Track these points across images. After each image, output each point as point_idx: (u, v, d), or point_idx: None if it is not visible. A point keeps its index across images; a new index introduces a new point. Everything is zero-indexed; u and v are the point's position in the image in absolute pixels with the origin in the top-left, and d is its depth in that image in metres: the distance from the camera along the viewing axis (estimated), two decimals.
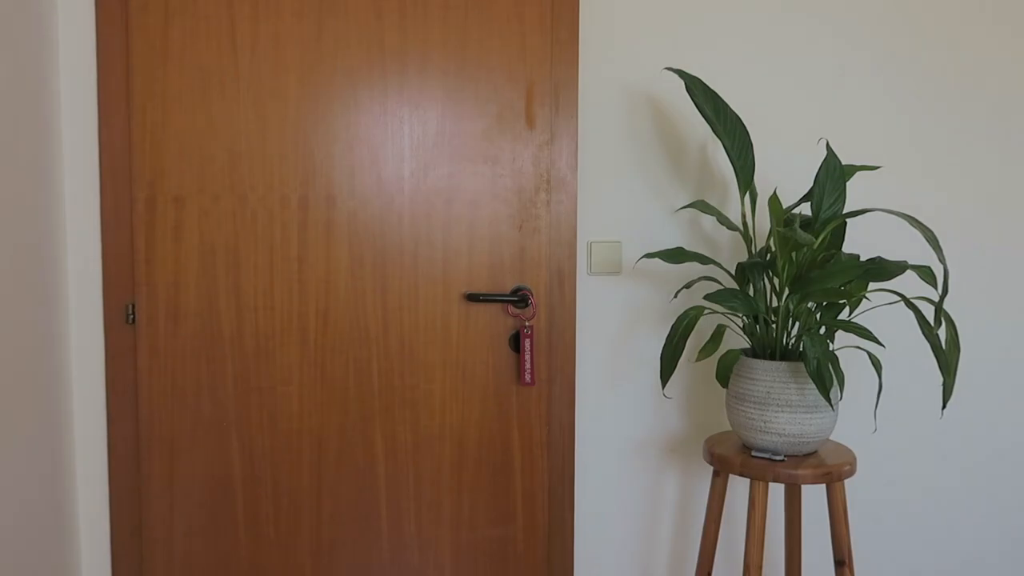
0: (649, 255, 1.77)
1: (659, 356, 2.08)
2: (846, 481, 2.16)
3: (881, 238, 2.14)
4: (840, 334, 2.10)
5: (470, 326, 1.98)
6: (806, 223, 1.79)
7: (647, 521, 2.14)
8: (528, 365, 1.95)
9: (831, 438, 2.11)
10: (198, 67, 1.88)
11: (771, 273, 1.77)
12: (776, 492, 2.16)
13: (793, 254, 1.72)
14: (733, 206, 2.09)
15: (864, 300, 1.95)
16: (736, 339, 2.11)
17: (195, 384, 1.93)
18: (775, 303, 1.80)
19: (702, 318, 2.08)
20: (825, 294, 1.67)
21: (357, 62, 1.90)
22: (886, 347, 2.15)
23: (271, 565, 1.99)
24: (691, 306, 1.84)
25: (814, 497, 2.16)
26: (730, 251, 2.10)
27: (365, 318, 1.94)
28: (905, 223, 2.13)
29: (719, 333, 1.84)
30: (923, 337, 2.03)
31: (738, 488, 2.16)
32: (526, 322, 1.96)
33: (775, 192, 1.80)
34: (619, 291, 2.07)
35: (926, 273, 1.66)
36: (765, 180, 2.09)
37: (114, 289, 1.90)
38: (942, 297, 1.56)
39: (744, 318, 1.79)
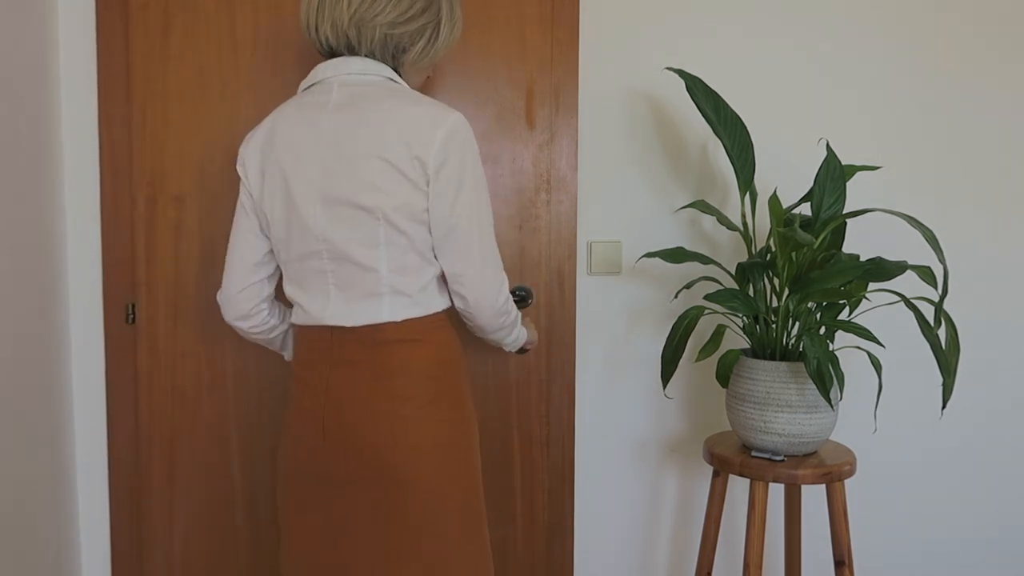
0: (649, 255, 1.77)
1: (659, 356, 2.08)
2: (846, 481, 2.16)
3: (881, 238, 2.14)
4: (840, 334, 2.10)
5: None
6: (806, 223, 1.79)
7: (647, 521, 2.14)
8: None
9: (831, 438, 2.11)
10: (198, 67, 1.88)
11: (771, 273, 1.77)
12: (776, 492, 2.16)
13: (793, 254, 1.72)
14: (733, 206, 2.09)
15: (864, 300, 1.95)
16: (736, 339, 2.11)
17: (195, 384, 1.93)
18: (775, 303, 1.80)
19: (702, 318, 2.08)
20: (825, 294, 1.67)
21: None
22: (886, 347, 2.15)
23: (271, 565, 1.99)
24: (691, 306, 1.84)
25: (814, 497, 2.16)
26: (730, 251, 2.10)
27: None
28: (905, 223, 2.13)
29: (719, 333, 1.84)
30: (923, 337, 2.03)
31: (738, 488, 2.16)
32: None
33: (775, 192, 1.79)
34: (619, 291, 2.07)
35: (926, 273, 1.66)
36: (765, 180, 2.09)
37: (114, 289, 1.90)
38: (942, 297, 1.56)
39: (744, 318, 1.79)
